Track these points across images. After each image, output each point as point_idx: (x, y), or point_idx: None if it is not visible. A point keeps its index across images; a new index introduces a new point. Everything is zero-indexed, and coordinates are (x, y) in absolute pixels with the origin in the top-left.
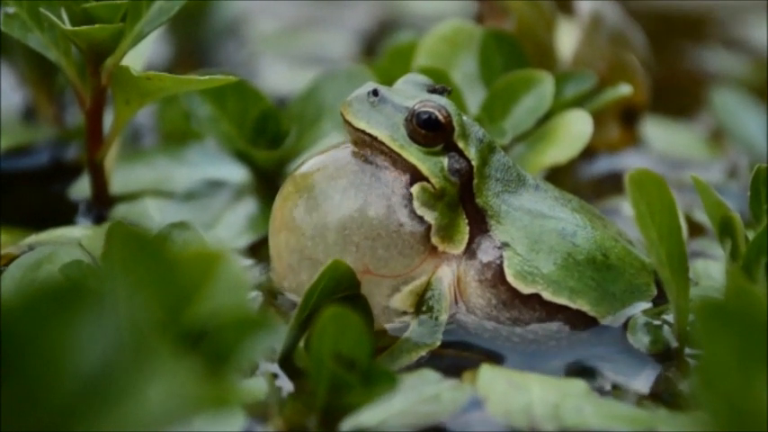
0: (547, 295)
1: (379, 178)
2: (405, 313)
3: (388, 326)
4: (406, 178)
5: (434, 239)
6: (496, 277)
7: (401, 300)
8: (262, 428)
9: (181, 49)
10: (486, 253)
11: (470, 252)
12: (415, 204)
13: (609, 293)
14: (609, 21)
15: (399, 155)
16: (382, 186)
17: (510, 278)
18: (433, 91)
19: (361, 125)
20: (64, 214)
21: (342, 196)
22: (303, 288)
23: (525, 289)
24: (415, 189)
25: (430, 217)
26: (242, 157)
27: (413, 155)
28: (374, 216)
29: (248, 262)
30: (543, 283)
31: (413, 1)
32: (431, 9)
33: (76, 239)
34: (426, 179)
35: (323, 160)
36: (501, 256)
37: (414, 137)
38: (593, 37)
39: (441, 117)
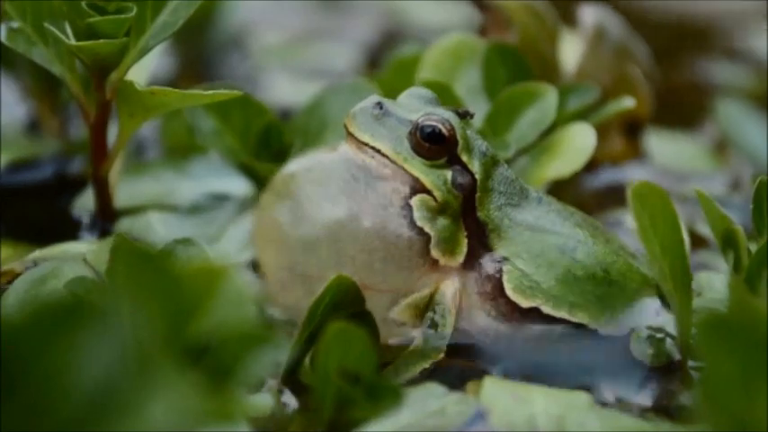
0: (546, 309)
1: (374, 188)
2: (404, 324)
3: (390, 340)
4: (405, 190)
5: (434, 252)
6: (496, 290)
7: (400, 312)
8: None
9: (184, 62)
10: (486, 266)
11: (470, 265)
12: (416, 216)
13: (609, 308)
14: (612, 33)
15: (403, 168)
16: (378, 196)
17: (509, 292)
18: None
19: (365, 138)
20: (68, 228)
21: (333, 205)
22: (299, 304)
23: (524, 303)
24: (415, 201)
25: (430, 229)
26: (246, 170)
27: (416, 168)
28: (369, 227)
29: (251, 276)
30: (543, 298)
31: (417, 11)
32: (434, 22)
33: (81, 254)
34: (429, 192)
35: (308, 165)
36: (500, 270)
37: (417, 150)
38: (597, 50)
39: (444, 130)
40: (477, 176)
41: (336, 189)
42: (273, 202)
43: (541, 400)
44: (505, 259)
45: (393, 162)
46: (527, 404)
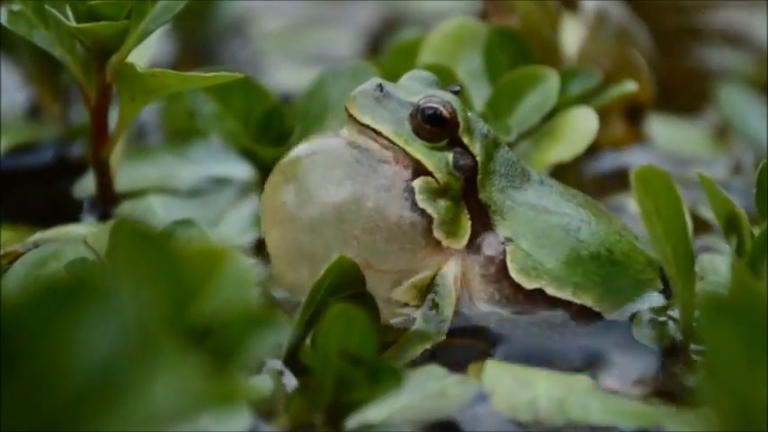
0: (550, 290)
1: (377, 170)
2: (407, 305)
3: (392, 320)
4: (407, 173)
5: (437, 234)
6: (500, 272)
7: (403, 292)
8: (267, 425)
9: (185, 47)
10: (490, 248)
11: (474, 247)
12: (418, 198)
13: (613, 288)
14: (613, 18)
15: (404, 150)
16: (381, 179)
17: (513, 273)
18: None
19: (366, 120)
20: (69, 212)
21: (337, 188)
22: (304, 283)
23: (528, 284)
24: (417, 183)
25: (432, 211)
26: (247, 154)
27: (417, 150)
28: (372, 208)
29: (252, 259)
30: (547, 279)
31: None
32: (436, 6)
33: (81, 237)
34: (430, 174)
35: (313, 149)
36: (504, 251)
37: (418, 132)
38: (598, 34)
39: (445, 112)
40: (479, 158)
41: (341, 172)
42: (280, 184)
43: (543, 383)
44: (509, 240)
45: (394, 144)
46: (529, 387)
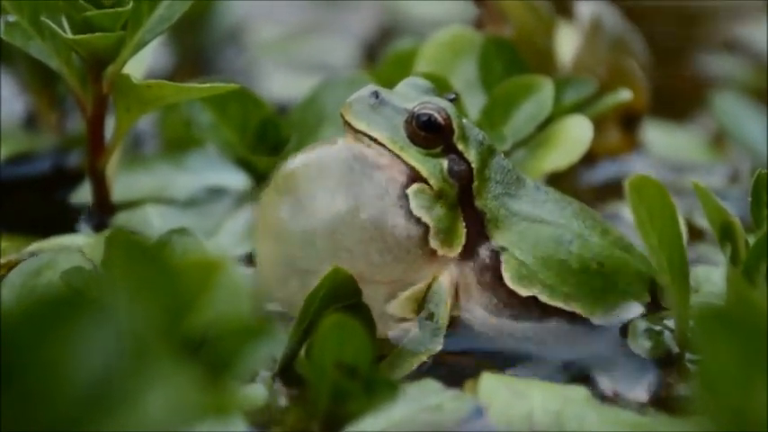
0: (543, 298)
1: (371, 178)
2: (403, 320)
3: (388, 333)
4: (402, 180)
5: (433, 242)
6: (494, 280)
7: (399, 306)
8: None
9: (182, 57)
10: (485, 256)
11: (469, 254)
12: (413, 205)
13: (602, 300)
14: (609, 26)
15: (399, 156)
16: (375, 187)
17: (508, 281)
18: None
19: (362, 126)
20: (65, 221)
21: (330, 198)
22: (294, 298)
23: (523, 291)
24: (412, 190)
25: (428, 218)
26: (243, 163)
27: (412, 157)
28: (366, 218)
29: (248, 269)
30: (539, 287)
31: (413, 5)
32: (431, 15)
33: (78, 247)
34: (425, 181)
35: (306, 160)
36: (499, 260)
37: (413, 139)
38: (593, 42)
39: (440, 119)
40: (474, 165)
41: (334, 181)
42: (274, 198)
43: (539, 395)
44: (503, 249)
45: (389, 151)
46: (525, 399)
